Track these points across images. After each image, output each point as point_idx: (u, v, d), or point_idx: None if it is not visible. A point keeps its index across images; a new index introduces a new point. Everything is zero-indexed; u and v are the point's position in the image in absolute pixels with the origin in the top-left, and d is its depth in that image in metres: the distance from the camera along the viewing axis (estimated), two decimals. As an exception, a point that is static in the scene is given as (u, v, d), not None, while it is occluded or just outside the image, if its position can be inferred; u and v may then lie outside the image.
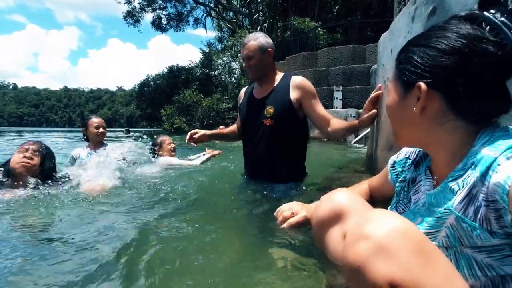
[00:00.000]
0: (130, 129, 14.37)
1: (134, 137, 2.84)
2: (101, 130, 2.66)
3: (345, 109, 7.38)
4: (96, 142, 2.67)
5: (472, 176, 0.54)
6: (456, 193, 0.56)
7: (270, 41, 1.78)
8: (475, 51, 0.54)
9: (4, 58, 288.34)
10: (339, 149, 5.14)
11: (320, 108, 1.71)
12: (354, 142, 6.46)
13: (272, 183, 1.76)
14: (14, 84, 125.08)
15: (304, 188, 1.75)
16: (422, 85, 0.59)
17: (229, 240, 1.14)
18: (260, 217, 1.32)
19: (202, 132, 1.88)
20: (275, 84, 1.78)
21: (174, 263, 0.92)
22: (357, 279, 0.51)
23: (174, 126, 14.89)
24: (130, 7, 20.22)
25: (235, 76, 18.00)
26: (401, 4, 1.92)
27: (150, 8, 20.35)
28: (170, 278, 0.85)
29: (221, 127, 2.07)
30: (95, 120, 2.67)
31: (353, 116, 7.05)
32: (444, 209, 0.58)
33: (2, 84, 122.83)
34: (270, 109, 1.73)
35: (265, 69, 1.77)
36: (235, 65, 17.45)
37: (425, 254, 0.49)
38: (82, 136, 2.72)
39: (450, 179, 0.59)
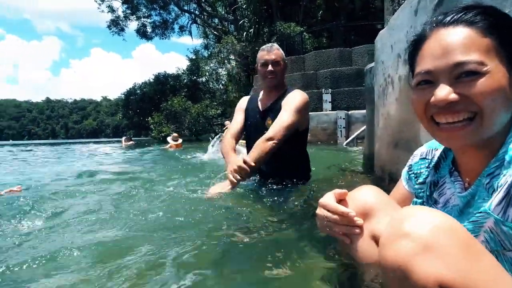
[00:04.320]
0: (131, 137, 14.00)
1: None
2: None
3: (335, 111, 7.43)
4: None
5: (508, 175, 0.50)
6: (493, 194, 0.52)
7: None
8: None
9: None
10: (331, 151, 5.15)
11: (281, 117, 1.67)
12: (345, 144, 6.51)
13: (272, 188, 1.77)
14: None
15: (304, 191, 1.71)
16: None
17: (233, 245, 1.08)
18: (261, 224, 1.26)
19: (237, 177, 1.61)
20: (278, 97, 1.86)
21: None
22: (400, 280, 0.47)
23: (163, 134, 14.67)
24: (114, 15, 20.00)
25: (223, 82, 17.98)
26: (394, 2, 1.92)
27: (135, 16, 20.16)
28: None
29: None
30: None
31: (343, 118, 7.11)
32: (481, 212, 0.54)
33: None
34: (269, 122, 1.79)
35: (282, 79, 1.88)
36: (222, 71, 17.44)
37: (472, 251, 0.46)
38: None
39: (484, 177, 0.55)
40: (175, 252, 0.98)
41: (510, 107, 0.53)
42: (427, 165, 0.74)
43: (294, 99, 1.77)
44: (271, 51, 1.84)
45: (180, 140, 9.43)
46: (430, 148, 0.75)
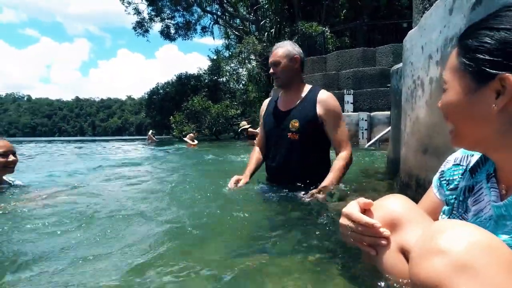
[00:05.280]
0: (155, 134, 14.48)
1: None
2: (11, 158, 1.75)
3: (357, 113, 7.24)
4: (2, 175, 1.81)
5: None
6: None
7: (298, 49, 1.79)
8: None
9: (19, 71, 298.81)
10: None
11: (339, 131, 1.73)
12: (368, 146, 6.33)
13: (293, 192, 1.72)
14: (29, 95, 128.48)
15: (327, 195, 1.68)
16: (511, 77, 0.49)
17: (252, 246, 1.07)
18: (277, 225, 1.24)
19: (242, 181, 1.84)
20: (302, 97, 1.78)
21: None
22: None
23: (184, 133, 14.96)
24: (140, 17, 20.64)
25: (243, 82, 18.05)
26: (425, 0, 1.84)
27: (159, 18, 20.70)
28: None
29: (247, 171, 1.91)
30: None
31: (365, 120, 6.91)
32: None
33: (17, 96, 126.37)
34: (295, 123, 1.73)
35: (292, 76, 1.77)
36: (242, 71, 17.50)
37: None
38: None
39: None
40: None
41: (491, 121, 0.53)
42: (461, 172, 0.69)
43: (331, 104, 1.73)
44: (272, 52, 1.79)
45: (195, 141, 9.79)
46: (466, 154, 0.70)
